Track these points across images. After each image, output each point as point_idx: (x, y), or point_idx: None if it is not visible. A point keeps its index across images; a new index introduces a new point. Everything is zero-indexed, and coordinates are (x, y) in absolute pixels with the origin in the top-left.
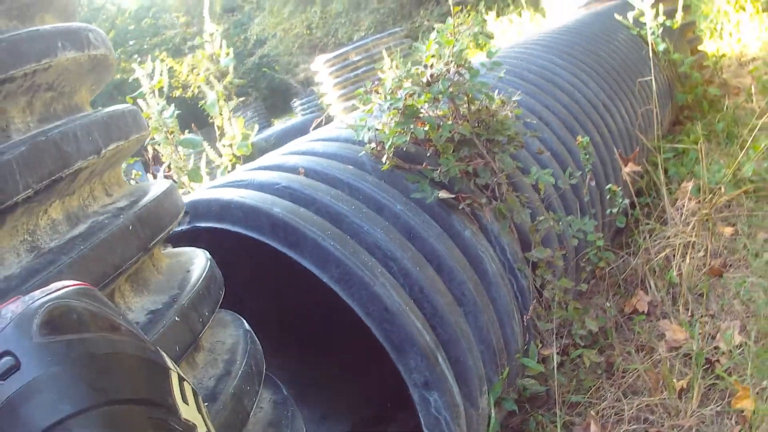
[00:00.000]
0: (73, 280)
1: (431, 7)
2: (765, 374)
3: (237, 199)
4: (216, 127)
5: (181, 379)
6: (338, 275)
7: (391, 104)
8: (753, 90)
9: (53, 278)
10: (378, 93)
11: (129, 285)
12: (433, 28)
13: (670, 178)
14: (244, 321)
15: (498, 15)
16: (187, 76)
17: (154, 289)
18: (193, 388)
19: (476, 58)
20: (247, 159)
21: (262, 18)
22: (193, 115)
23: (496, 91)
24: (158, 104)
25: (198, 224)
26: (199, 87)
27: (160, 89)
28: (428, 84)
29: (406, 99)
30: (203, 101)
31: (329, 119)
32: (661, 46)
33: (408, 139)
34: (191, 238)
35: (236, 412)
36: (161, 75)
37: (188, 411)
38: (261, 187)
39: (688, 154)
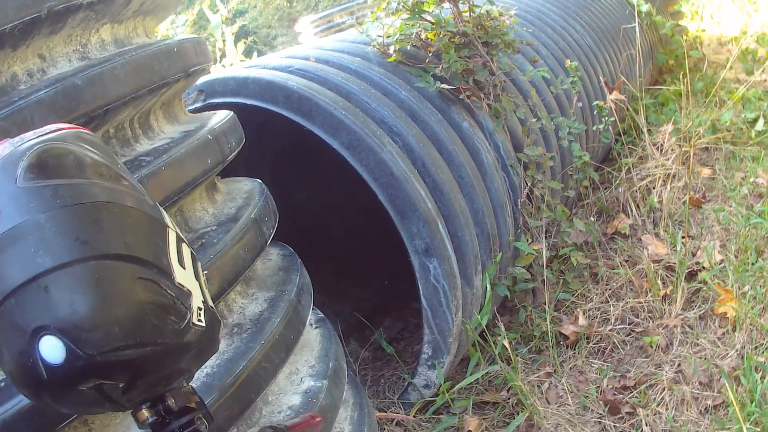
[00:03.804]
0: (68, 124)
1: None
2: (746, 281)
3: (253, 75)
4: (218, 49)
5: (179, 240)
6: (348, 141)
7: (400, 1)
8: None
9: (107, 72)
10: None
11: (162, 111)
12: None
13: (650, 124)
14: (259, 180)
15: None
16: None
17: (184, 120)
18: (192, 252)
19: None
20: None
21: None
22: None
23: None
24: None
25: (213, 100)
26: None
27: None
28: None
29: None
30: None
31: None
32: (644, 7)
33: (415, 32)
34: None
35: (257, 235)
36: None
37: (184, 275)
38: (274, 68)
39: (668, 104)
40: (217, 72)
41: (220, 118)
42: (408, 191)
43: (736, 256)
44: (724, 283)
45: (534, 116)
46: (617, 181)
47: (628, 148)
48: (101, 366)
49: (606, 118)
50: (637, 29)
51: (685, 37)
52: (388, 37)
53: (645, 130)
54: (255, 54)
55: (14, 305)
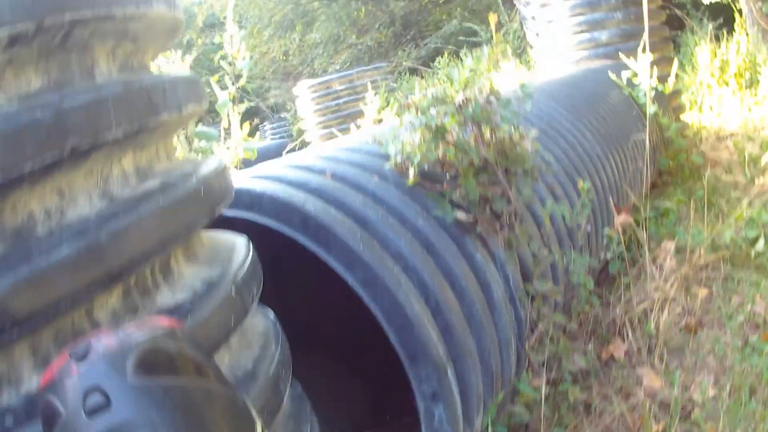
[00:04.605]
0: (166, 318)
1: (409, 49)
2: (738, 426)
3: (270, 192)
4: (222, 129)
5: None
6: (363, 278)
7: (424, 122)
8: (733, 161)
9: (134, 224)
10: (409, 109)
11: (182, 251)
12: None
13: (650, 236)
14: (270, 310)
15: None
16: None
17: (204, 260)
18: None
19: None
20: (249, 164)
21: (241, 38)
22: None
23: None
24: None
25: (225, 212)
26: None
27: None
28: (459, 108)
29: (438, 118)
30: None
31: (304, 144)
32: (652, 109)
33: (436, 157)
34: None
35: (274, 394)
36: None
37: None
38: (291, 183)
39: (668, 215)
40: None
41: (241, 260)
42: (421, 336)
43: (729, 395)
44: (716, 423)
45: (546, 246)
46: (614, 299)
47: (628, 263)
48: None
49: (615, 248)
50: (647, 143)
51: (685, 132)
52: (407, 156)
53: (646, 247)
54: (256, 120)
55: None
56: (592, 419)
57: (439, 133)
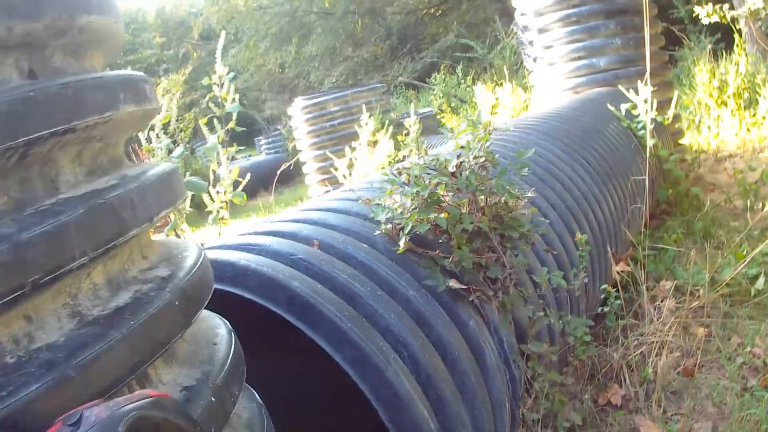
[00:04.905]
0: (153, 390)
1: (405, 63)
2: None
3: (254, 267)
4: (211, 171)
5: None
6: (352, 357)
7: (416, 190)
8: (732, 191)
9: (104, 354)
10: (401, 174)
11: (160, 358)
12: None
13: (648, 275)
14: (255, 392)
15: (473, 81)
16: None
17: (184, 360)
18: None
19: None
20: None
21: (237, 50)
22: None
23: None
24: (162, 141)
25: None
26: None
27: (165, 124)
28: (453, 175)
29: (431, 185)
30: (172, 127)
31: (298, 164)
32: (651, 142)
33: (429, 226)
34: None
35: None
36: (168, 111)
37: None
38: (276, 255)
39: (666, 252)
40: (212, 252)
41: (223, 357)
42: (411, 413)
43: None
44: None
45: (543, 304)
46: (611, 341)
47: (625, 304)
48: None
49: (612, 303)
50: (646, 183)
51: (684, 157)
52: (398, 223)
53: (644, 288)
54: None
55: None
56: None
57: (431, 200)
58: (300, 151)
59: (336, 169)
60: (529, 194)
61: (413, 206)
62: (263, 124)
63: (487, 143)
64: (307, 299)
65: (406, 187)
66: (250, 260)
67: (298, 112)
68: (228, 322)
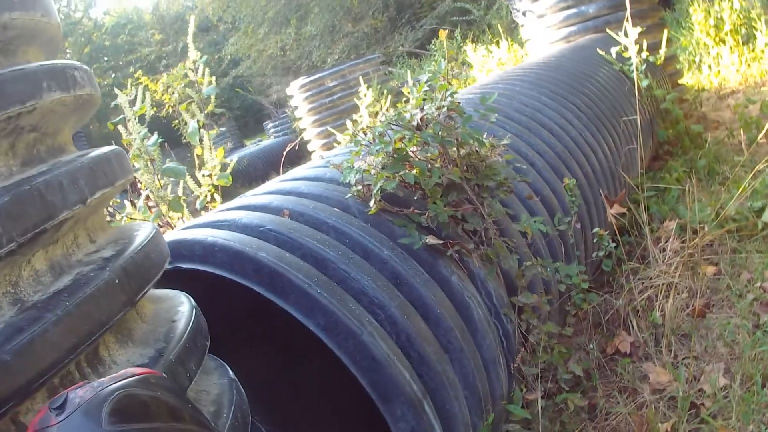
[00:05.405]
0: (139, 368)
1: (405, 32)
2: (750, 418)
3: (221, 242)
4: (195, 156)
5: None
6: (325, 323)
7: (380, 147)
8: (735, 126)
9: (38, 337)
10: (366, 134)
11: (113, 336)
12: (417, 68)
13: (651, 216)
14: (229, 368)
15: (473, 42)
16: (162, 94)
17: (139, 340)
18: None
19: (463, 94)
20: (225, 188)
21: (236, 38)
22: (166, 135)
23: (485, 134)
24: (140, 131)
25: (181, 265)
26: (173, 107)
27: (142, 116)
28: (418, 128)
29: (396, 143)
30: (177, 121)
31: (303, 143)
32: (644, 83)
33: (396, 183)
34: (172, 276)
35: None
36: (143, 102)
37: None
38: (245, 228)
39: (669, 191)
40: (182, 231)
41: (180, 333)
42: (390, 375)
43: (741, 385)
44: (728, 417)
45: (532, 254)
46: (616, 288)
47: (628, 249)
48: None
49: (607, 245)
50: (638, 121)
51: (684, 97)
52: (368, 183)
53: (647, 229)
54: (229, 145)
55: None
56: (597, 422)
57: (398, 157)
58: (304, 129)
59: (339, 143)
60: (505, 141)
61: (382, 165)
62: (271, 109)
63: (457, 95)
64: (275, 268)
65: (372, 146)
66: (218, 236)
67: (297, 92)
68: (192, 298)
